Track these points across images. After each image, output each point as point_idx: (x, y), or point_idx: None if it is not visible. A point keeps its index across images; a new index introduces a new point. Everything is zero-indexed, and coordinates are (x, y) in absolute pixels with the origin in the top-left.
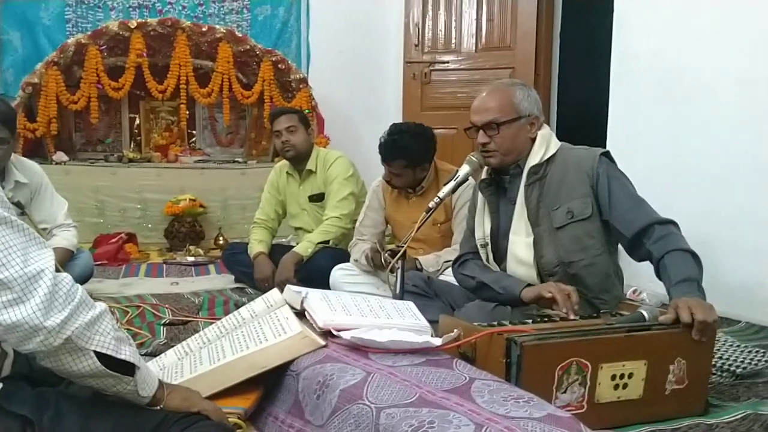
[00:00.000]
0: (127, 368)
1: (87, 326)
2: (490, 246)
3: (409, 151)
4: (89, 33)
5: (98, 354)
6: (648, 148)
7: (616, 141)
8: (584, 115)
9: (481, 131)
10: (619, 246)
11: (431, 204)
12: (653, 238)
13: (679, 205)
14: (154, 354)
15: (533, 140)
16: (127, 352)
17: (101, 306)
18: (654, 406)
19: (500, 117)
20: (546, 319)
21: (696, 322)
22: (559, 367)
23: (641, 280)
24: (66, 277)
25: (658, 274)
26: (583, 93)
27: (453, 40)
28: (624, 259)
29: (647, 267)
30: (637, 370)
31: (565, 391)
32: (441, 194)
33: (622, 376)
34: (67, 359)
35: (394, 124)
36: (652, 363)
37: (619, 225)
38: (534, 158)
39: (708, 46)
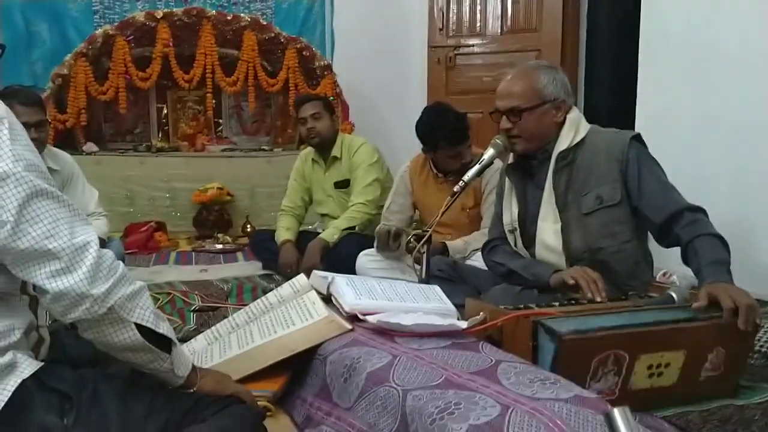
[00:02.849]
0: (164, 346)
1: (129, 298)
2: (518, 231)
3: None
4: (116, 24)
5: (138, 328)
6: (678, 128)
7: (644, 122)
8: (612, 97)
9: (504, 117)
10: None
11: (456, 188)
12: (682, 223)
13: (711, 186)
14: (184, 339)
15: (559, 124)
16: (165, 328)
17: (141, 283)
18: (686, 391)
19: (522, 104)
20: (573, 301)
21: (741, 307)
22: (596, 359)
23: (671, 263)
24: (108, 252)
25: (685, 258)
26: (611, 74)
27: (478, 24)
28: (654, 242)
29: (676, 249)
30: (675, 359)
31: (599, 381)
32: (466, 178)
33: (659, 366)
34: (108, 330)
35: (428, 110)
36: (691, 353)
37: (649, 211)
38: (563, 143)
39: (740, 21)
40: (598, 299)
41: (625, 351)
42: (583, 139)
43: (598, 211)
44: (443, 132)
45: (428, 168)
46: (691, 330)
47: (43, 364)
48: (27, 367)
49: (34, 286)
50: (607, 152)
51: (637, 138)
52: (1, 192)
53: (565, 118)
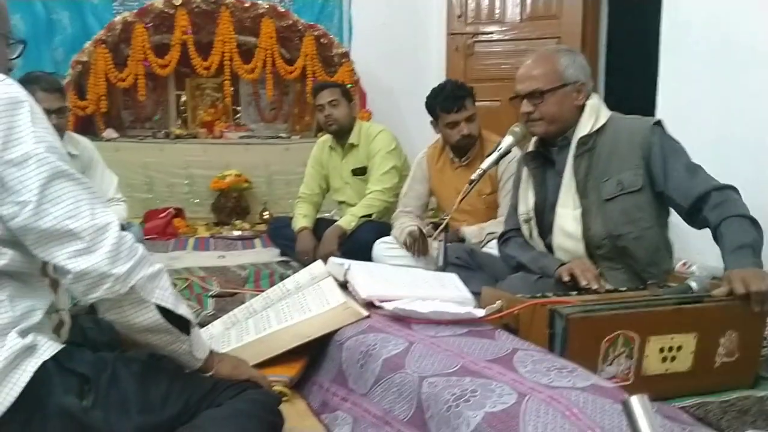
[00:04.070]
0: (183, 328)
1: (149, 279)
2: (534, 220)
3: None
4: (135, 11)
5: (158, 309)
6: (699, 118)
7: (665, 111)
8: (633, 85)
9: (525, 100)
10: (669, 219)
11: (474, 176)
12: (710, 204)
13: (730, 178)
14: (202, 324)
15: (580, 108)
16: (184, 310)
17: (160, 265)
18: (703, 378)
19: (543, 86)
20: (591, 290)
21: (752, 293)
22: (605, 339)
23: (691, 253)
24: (128, 234)
25: (716, 241)
26: (631, 62)
27: (497, 11)
28: (674, 231)
29: (697, 239)
30: (686, 342)
31: (611, 364)
32: (484, 165)
33: (670, 349)
34: (129, 311)
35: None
36: (702, 336)
37: (676, 195)
38: (583, 129)
39: (763, 10)
40: (595, 286)
41: (633, 331)
42: (603, 126)
43: (619, 197)
44: (439, 99)
45: (445, 155)
46: (698, 311)
47: (63, 346)
48: (47, 349)
49: (55, 268)
50: (629, 138)
51: (659, 124)
52: (23, 172)
53: (585, 103)
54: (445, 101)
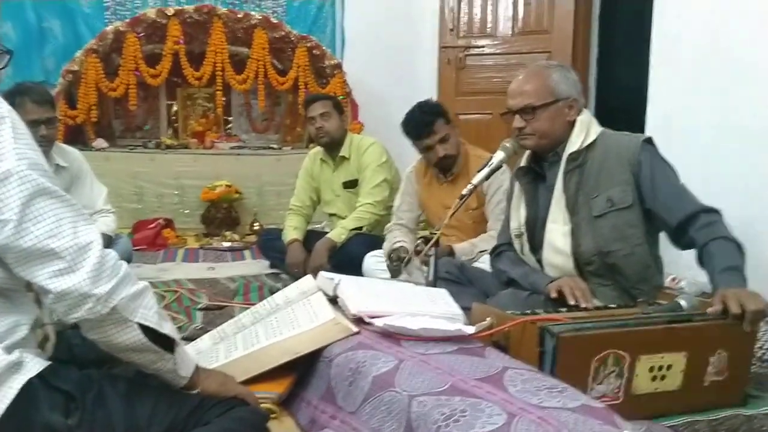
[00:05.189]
0: (167, 347)
1: (132, 298)
2: (525, 236)
3: (437, 109)
4: (127, 20)
5: (141, 328)
6: (689, 131)
7: (655, 126)
8: (623, 100)
9: (517, 116)
10: (660, 235)
11: (464, 191)
12: (697, 225)
13: (720, 192)
14: (190, 338)
15: (571, 124)
16: (168, 328)
17: (144, 283)
18: (692, 397)
19: (535, 101)
20: (581, 308)
21: (747, 312)
22: (595, 358)
23: (680, 269)
24: (111, 252)
25: (701, 261)
26: (622, 77)
27: (489, 24)
28: (665, 246)
29: (687, 255)
30: (676, 362)
31: (600, 383)
32: (474, 181)
33: (660, 368)
34: (112, 330)
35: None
36: (693, 355)
37: (664, 213)
38: (573, 145)
39: (757, 24)
40: (584, 304)
41: (624, 350)
42: (594, 142)
43: (609, 214)
44: (409, 127)
45: (431, 170)
46: (689, 330)
47: (49, 363)
48: (34, 365)
49: (37, 286)
50: (618, 155)
51: (649, 141)
52: (4, 190)
53: (576, 119)
54: (414, 129)
